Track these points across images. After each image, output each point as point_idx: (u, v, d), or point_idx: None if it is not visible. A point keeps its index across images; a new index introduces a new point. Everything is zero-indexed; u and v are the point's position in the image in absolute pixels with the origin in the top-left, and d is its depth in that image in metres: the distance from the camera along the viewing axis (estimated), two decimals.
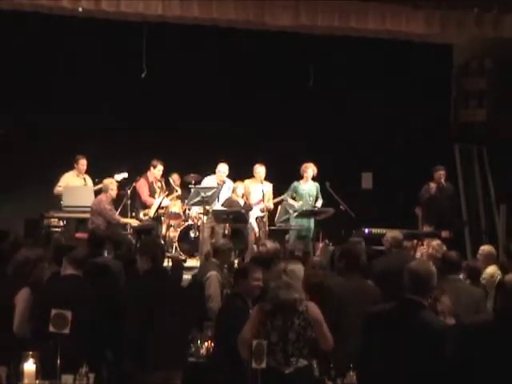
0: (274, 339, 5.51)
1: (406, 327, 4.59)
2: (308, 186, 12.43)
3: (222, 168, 12.42)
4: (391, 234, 8.86)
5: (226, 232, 11.95)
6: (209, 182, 12.48)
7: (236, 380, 5.94)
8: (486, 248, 8.81)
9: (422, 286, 4.69)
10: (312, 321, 5.57)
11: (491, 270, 8.32)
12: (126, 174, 12.31)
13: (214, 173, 12.49)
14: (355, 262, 7.01)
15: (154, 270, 6.27)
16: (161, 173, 12.51)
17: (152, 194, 12.42)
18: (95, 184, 12.49)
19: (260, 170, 12.40)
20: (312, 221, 12.15)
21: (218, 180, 12.42)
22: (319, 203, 12.38)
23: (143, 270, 6.36)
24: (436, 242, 8.81)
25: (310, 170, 12.38)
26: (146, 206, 12.38)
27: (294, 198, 12.36)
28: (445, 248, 8.60)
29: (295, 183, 12.45)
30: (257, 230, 12.20)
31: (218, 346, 6.41)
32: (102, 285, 6.61)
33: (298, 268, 6.33)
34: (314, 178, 12.48)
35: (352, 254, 7.17)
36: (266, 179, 12.51)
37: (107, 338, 6.16)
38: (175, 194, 12.69)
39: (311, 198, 12.37)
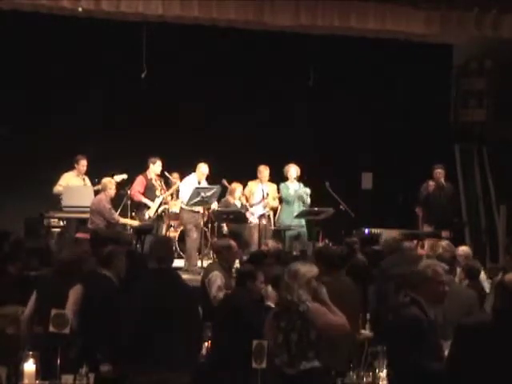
0: (279, 340, 5.56)
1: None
2: (293, 187, 12.39)
3: (203, 168, 12.34)
4: (388, 234, 8.84)
5: (225, 231, 11.99)
6: (190, 181, 12.32)
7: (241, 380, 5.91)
8: (464, 249, 8.75)
9: None
10: (313, 321, 5.50)
11: None
12: (125, 176, 12.28)
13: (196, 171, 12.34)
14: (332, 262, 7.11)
15: (158, 271, 6.07)
16: (160, 168, 12.37)
17: (150, 191, 12.33)
18: (94, 185, 12.45)
19: (265, 172, 12.36)
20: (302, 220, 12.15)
21: (199, 179, 12.33)
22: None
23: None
24: (445, 243, 8.61)
25: (292, 169, 12.37)
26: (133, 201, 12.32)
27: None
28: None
29: (281, 185, 12.42)
30: (261, 228, 12.12)
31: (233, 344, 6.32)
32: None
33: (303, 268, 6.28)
34: (299, 179, 12.42)
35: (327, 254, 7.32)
36: (269, 180, 12.49)
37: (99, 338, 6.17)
38: (175, 187, 12.61)
39: (300, 198, 12.29)
